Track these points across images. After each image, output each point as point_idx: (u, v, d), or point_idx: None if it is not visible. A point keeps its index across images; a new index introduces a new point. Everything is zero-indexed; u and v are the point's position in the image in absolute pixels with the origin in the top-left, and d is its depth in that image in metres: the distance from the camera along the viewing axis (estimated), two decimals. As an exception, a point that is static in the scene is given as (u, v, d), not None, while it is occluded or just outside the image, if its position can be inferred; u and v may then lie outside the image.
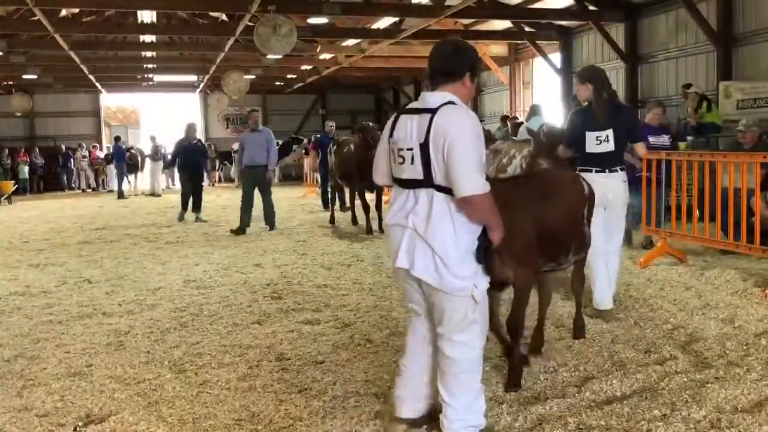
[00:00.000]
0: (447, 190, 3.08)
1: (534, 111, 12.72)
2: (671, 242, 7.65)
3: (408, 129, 3.15)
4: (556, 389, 3.99)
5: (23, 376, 4.47)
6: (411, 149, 3.14)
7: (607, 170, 5.35)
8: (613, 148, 5.32)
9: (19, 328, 5.69)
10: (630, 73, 14.76)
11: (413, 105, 3.28)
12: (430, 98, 3.17)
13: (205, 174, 16.48)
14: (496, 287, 3.78)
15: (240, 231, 10.86)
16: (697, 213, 7.83)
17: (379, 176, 3.43)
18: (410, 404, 3.38)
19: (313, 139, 19.22)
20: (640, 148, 5.96)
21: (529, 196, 4.10)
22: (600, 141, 5.30)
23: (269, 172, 11.37)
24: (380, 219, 10.26)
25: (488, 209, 3.10)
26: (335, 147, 12.33)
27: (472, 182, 3.01)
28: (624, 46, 14.83)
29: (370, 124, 11.46)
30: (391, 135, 3.24)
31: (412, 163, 3.13)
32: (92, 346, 5.12)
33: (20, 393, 4.17)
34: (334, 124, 15.32)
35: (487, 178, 3.15)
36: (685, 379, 4.02)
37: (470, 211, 3.08)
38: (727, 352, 4.48)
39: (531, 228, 3.94)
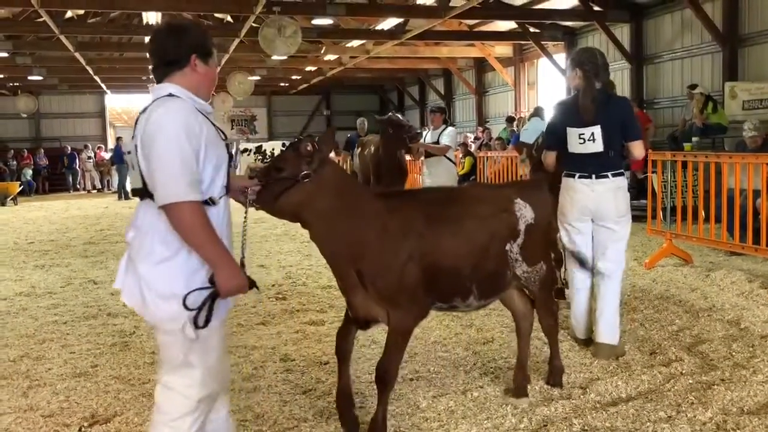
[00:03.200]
0: None
1: (535, 113, 12.57)
2: (676, 243, 7.63)
3: (134, 131, 2.67)
4: (561, 390, 3.98)
5: (29, 377, 4.48)
6: (130, 153, 2.87)
7: (593, 176, 4.43)
8: (602, 149, 4.38)
9: (24, 328, 5.71)
10: (635, 73, 14.73)
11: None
12: (153, 93, 2.66)
13: None
14: (359, 325, 3.41)
15: None
16: (702, 214, 7.80)
17: None
18: None
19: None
20: (636, 148, 4.51)
21: (418, 220, 3.35)
22: (584, 139, 4.40)
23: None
24: None
25: (194, 227, 2.45)
26: (358, 149, 11.07)
27: (168, 189, 2.44)
28: (629, 46, 14.80)
29: (399, 116, 9.47)
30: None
31: (134, 169, 2.69)
32: (97, 346, 5.12)
33: (26, 393, 4.18)
34: (364, 120, 13.76)
35: (384, 192, 2.90)
36: (690, 381, 4.01)
37: (175, 227, 2.48)
38: (733, 353, 4.47)
39: (413, 260, 3.26)
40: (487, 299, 3.69)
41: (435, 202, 3.57)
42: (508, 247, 3.62)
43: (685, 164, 8.09)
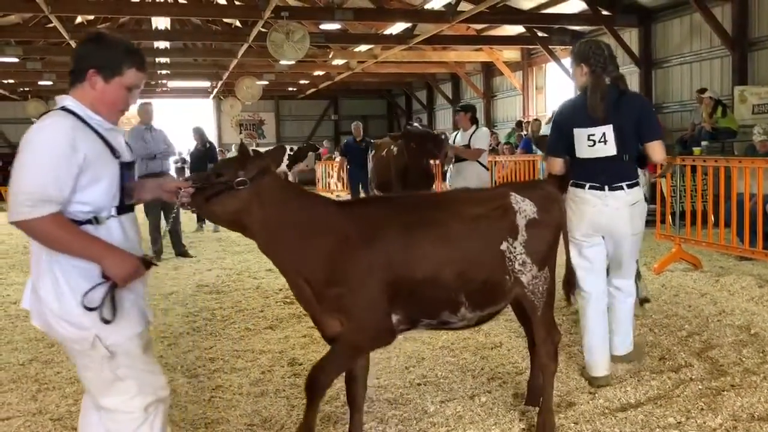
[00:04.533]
0: None
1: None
2: (686, 248, 7.59)
3: None
4: (570, 396, 3.96)
5: (38, 380, 4.50)
6: None
7: (606, 187, 3.91)
8: (614, 152, 3.85)
9: (33, 332, 5.72)
10: (644, 78, 14.69)
11: None
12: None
13: None
14: (329, 342, 3.16)
15: None
16: (712, 218, 7.76)
17: None
18: None
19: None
20: (655, 150, 3.90)
21: (386, 228, 3.07)
22: (593, 141, 3.86)
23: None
24: None
25: (52, 236, 2.40)
26: (372, 152, 10.54)
27: (15, 206, 2.36)
28: (638, 50, 14.76)
29: (417, 126, 9.40)
30: None
31: None
32: (106, 350, 5.13)
33: (35, 396, 4.20)
34: (359, 124, 13.71)
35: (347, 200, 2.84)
36: (700, 387, 3.98)
37: (37, 242, 2.47)
38: (744, 359, 4.43)
39: (375, 272, 3.00)
40: (484, 310, 3.26)
41: (412, 208, 3.25)
42: (505, 246, 3.20)
43: (694, 169, 8.05)
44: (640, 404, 3.79)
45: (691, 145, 11.40)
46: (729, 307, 5.77)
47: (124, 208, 2.60)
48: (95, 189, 2.48)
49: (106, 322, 2.43)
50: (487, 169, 7.96)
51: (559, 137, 4.07)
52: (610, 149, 3.86)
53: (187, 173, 21.13)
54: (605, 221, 3.97)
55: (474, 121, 7.89)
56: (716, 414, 3.58)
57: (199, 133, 12.98)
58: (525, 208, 3.28)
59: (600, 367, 4.09)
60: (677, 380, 4.11)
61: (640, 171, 4.19)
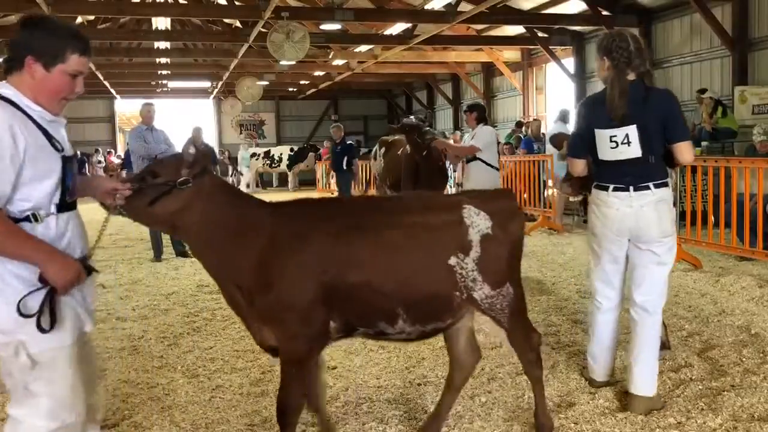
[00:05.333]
0: None
1: (560, 116, 12.31)
2: (686, 248, 7.59)
3: None
4: (570, 396, 3.96)
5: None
6: None
7: (631, 188, 3.65)
8: (640, 154, 3.59)
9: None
10: (644, 78, 14.67)
11: None
12: None
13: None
14: (266, 351, 3.08)
15: None
16: (712, 219, 7.77)
17: None
18: None
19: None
20: (683, 151, 3.64)
21: (322, 231, 2.92)
22: (616, 143, 3.61)
23: None
24: None
25: None
26: (383, 149, 10.15)
27: None
28: (638, 51, 14.74)
29: (412, 118, 8.90)
30: None
31: None
32: (106, 350, 5.14)
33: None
34: (340, 126, 13.76)
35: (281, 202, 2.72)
36: (700, 387, 3.98)
37: None
38: (744, 359, 4.43)
39: (309, 276, 2.86)
40: (425, 325, 3.04)
41: (351, 211, 3.11)
42: (454, 261, 2.98)
43: (694, 169, 8.05)
44: (640, 404, 3.79)
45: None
46: (729, 307, 5.77)
47: (65, 205, 2.46)
48: (36, 185, 2.35)
49: (43, 331, 2.28)
50: (497, 169, 7.56)
51: (581, 137, 3.83)
52: (634, 151, 3.59)
53: None
54: (630, 223, 3.68)
55: (481, 120, 7.67)
56: (716, 414, 3.58)
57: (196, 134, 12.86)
58: (479, 222, 3.05)
59: (601, 374, 4.03)
60: (677, 380, 4.12)
61: (670, 170, 3.92)
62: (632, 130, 3.57)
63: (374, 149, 11.04)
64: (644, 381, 3.69)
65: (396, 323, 2.97)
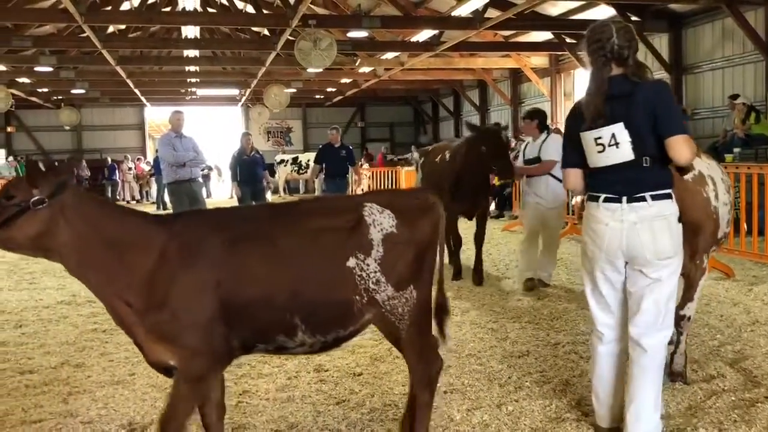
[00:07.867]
0: None
1: None
2: (717, 256, 7.46)
3: None
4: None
5: (69, 383, 4.57)
6: None
7: (624, 199, 3.15)
8: (631, 156, 3.12)
9: (65, 336, 5.82)
10: (675, 84, 14.47)
11: None
12: None
13: (266, 187, 13.93)
14: (160, 371, 2.92)
15: None
16: (744, 226, 7.62)
17: None
18: None
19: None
20: (678, 147, 3.06)
21: (214, 243, 2.79)
22: (603, 146, 3.16)
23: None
24: (478, 260, 7.62)
25: None
26: (422, 159, 9.43)
27: None
28: (668, 56, 14.57)
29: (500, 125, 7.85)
30: None
31: None
32: (135, 355, 5.18)
33: (66, 400, 4.27)
34: (338, 129, 12.33)
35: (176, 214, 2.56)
36: (733, 398, 3.90)
37: None
38: (778, 370, 4.34)
39: (203, 291, 2.73)
40: (326, 335, 2.91)
41: (243, 221, 2.98)
42: (353, 263, 2.86)
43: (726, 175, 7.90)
44: (671, 416, 3.72)
45: (723, 152, 11.21)
46: (763, 316, 5.65)
47: None
48: None
49: None
50: (560, 181, 6.49)
51: (570, 144, 3.40)
52: (624, 153, 3.12)
53: (214, 181, 21.24)
54: (619, 242, 3.17)
55: (544, 128, 7.13)
56: (750, 426, 3.50)
57: (246, 139, 12.60)
58: (381, 220, 2.92)
59: (605, 418, 3.46)
60: (709, 391, 4.04)
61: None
62: (618, 129, 3.11)
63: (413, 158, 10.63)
64: (642, 424, 3.24)
65: (295, 335, 2.85)
